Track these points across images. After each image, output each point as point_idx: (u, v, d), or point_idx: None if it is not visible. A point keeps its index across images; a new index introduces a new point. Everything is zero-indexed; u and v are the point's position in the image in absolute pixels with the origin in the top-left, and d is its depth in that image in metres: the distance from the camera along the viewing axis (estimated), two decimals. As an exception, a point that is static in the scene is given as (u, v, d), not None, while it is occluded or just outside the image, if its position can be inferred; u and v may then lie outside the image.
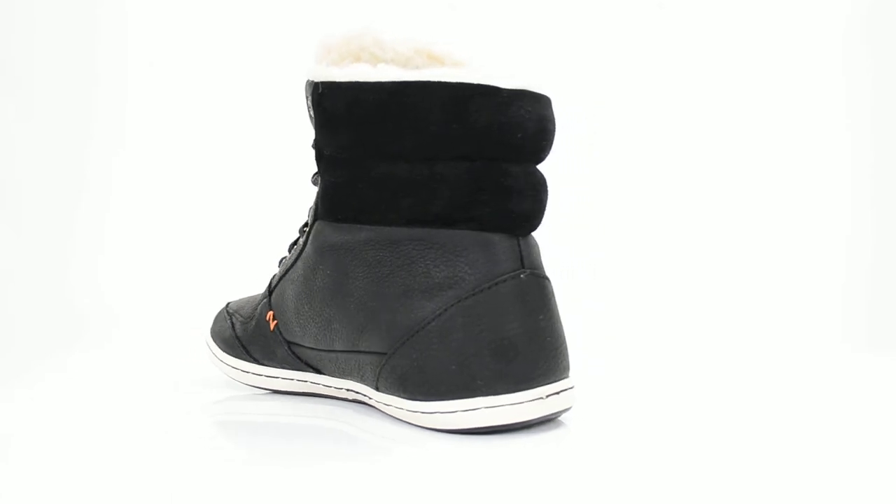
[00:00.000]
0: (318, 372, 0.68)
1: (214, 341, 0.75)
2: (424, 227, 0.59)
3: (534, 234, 0.62)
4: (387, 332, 0.60)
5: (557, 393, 0.58)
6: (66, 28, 1.22)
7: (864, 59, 1.21)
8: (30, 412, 0.68)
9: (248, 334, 0.72)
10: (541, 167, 0.63)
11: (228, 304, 0.76)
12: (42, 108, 1.22)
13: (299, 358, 0.68)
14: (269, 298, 0.70)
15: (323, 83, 0.61)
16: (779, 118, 1.20)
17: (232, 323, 0.74)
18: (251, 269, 0.95)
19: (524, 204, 0.59)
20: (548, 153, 0.62)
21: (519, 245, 0.59)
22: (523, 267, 0.58)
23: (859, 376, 0.83)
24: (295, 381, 0.70)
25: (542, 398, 0.57)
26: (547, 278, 0.60)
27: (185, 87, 1.23)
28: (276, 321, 0.69)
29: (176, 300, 1.11)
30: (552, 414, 0.58)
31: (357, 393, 0.65)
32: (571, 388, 0.59)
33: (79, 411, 0.68)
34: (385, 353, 0.60)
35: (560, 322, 0.60)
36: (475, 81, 0.57)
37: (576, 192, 1.13)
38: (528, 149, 0.59)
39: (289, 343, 0.68)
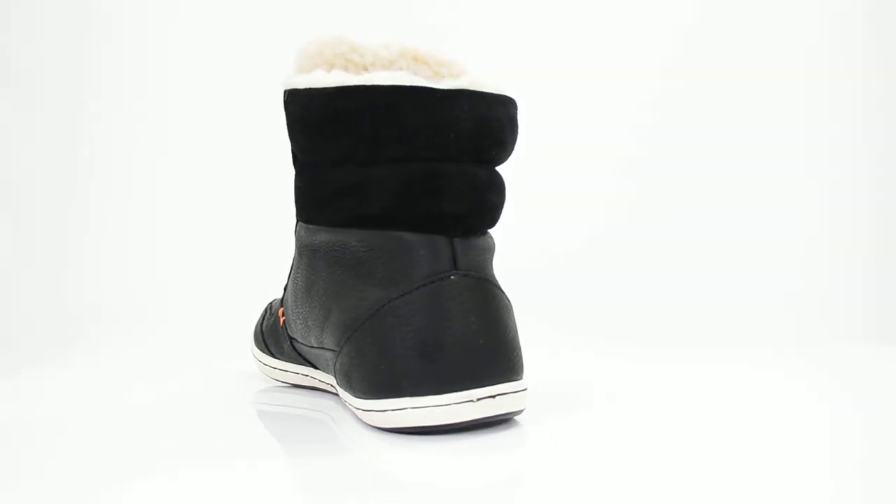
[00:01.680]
0: (313, 367, 0.70)
1: (253, 333, 0.79)
2: (364, 228, 0.60)
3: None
4: (336, 329, 0.61)
5: (493, 397, 0.57)
6: (66, 29, 1.22)
7: (862, 55, 1.21)
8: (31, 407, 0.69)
9: (268, 329, 0.75)
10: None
11: (274, 298, 0.79)
12: (43, 109, 1.22)
13: (298, 353, 0.71)
14: (284, 294, 0.72)
15: (287, 90, 0.62)
16: (775, 121, 1.20)
17: (263, 317, 0.77)
18: (263, 268, 0.95)
19: (457, 204, 0.59)
20: (498, 152, 0.61)
21: (453, 246, 0.59)
22: (456, 268, 0.58)
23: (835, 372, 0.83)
24: (299, 375, 0.73)
25: (472, 401, 0.57)
26: (486, 280, 0.59)
27: (186, 87, 1.23)
28: (283, 317, 0.71)
29: (195, 297, 1.12)
30: (488, 417, 0.57)
31: (333, 387, 0.67)
32: (517, 391, 0.59)
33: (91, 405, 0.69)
34: (336, 351, 0.62)
35: (504, 325, 0.59)
36: (408, 84, 0.58)
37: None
38: (466, 148, 0.59)
39: (290, 338, 0.71)
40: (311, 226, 0.64)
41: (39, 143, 1.20)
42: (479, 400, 0.57)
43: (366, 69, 0.64)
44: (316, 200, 0.62)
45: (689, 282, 1.11)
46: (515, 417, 0.61)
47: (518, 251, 1.15)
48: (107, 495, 0.49)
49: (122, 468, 0.53)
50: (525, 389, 0.60)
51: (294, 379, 0.74)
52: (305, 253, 0.65)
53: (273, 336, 0.74)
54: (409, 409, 0.57)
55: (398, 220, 0.59)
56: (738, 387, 0.76)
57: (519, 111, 0.63)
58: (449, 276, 0.58)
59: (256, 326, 0.78)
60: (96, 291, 1.14)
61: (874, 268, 1.14)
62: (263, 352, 0.76)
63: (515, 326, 0.60)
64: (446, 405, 0.56)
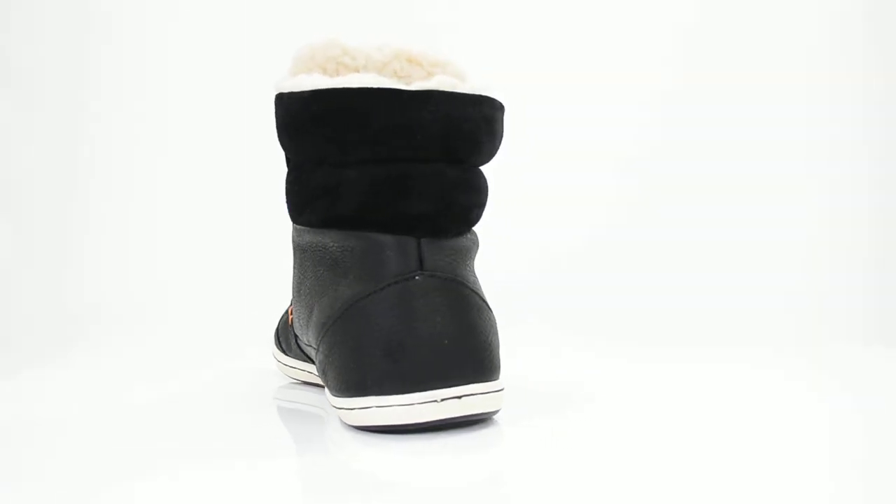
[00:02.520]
0: (313, 363, 0.71)
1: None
2: (339, 229, 0.61)
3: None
4: (315, 328, 0.62)
5: (458, 397, 0.57)
6: (65, 28, 1.22)
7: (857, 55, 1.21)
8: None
9: (282, 326, 0.78)
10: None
11: None
12: (43, 109, 1.22)
13: (301, 350, 0.73)
14: None
15: (276, 94, 0.63)
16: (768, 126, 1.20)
17: (285, 315, 0.79)
18: (263, 268, 0.96)
19: (424, 205, 0.60)
20: (472, 152, 0.61)
21: (420, 247, 0.59)
22: (422, 268, 0.59)
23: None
24: (305, 373, 0.75)
25: (435, 401, 0.57)
26: (454, 280, 0.59)
27: (186, 87, 1.23)
28: (291, 315, 0.72)
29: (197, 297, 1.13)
30: (455, 418, 0.58)
31: None
32: (487, 392, 0.59)
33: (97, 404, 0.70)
34: (316, 349, 0.63)
35: (471, 326, 0.59)
36: (376, 86, 0.58)
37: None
38: (434, 149, 0.60)
39: (295, 336, 0.72)
40: (298, 226, 0.65)
41: (39, 143, 1.21)
42: (443, 400, 0.57)
43: (357, 72, 0.65)
44: (299, 201, 0.63)
45: (690, 282, 1.12)
46: (495, 417, 0.61)
47: (520, 251, 1.16)
48: (106, 495, 0.50)
49: (121, 468, 0.54)
50: (499, 391, 0.60)
51: (301, 376, 0.75)
52: (297, 253, 0.66)
53: (285, 333, 0.76)
54: (375, 408, 0.58)
55: (368, 220, 0.60)
56: (738, 387, 0.77)
57: (501, 110, 0.63)
58: (414, 277, 0.58)
59: (278, 323, 0.80)
60: (96, 291, 1.14)
61: (874, 268, 1.14)
62: (278, 348, 0.78)
63: (488, 328, 0.60)
64: (409, 405, 0.57)
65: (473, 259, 0.63)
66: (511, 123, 1.08)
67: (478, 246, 0.64)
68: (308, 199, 0.62)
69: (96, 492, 0.50)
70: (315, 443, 0.60)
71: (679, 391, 0.75)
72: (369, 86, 0.58)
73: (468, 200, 0.62)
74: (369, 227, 0.60)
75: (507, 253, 1.13)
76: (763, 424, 0.63)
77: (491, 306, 0.62)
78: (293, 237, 0.66)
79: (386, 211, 0.59)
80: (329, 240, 0.61)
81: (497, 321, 0.62)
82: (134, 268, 1.18)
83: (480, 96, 0.61)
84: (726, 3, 1.24)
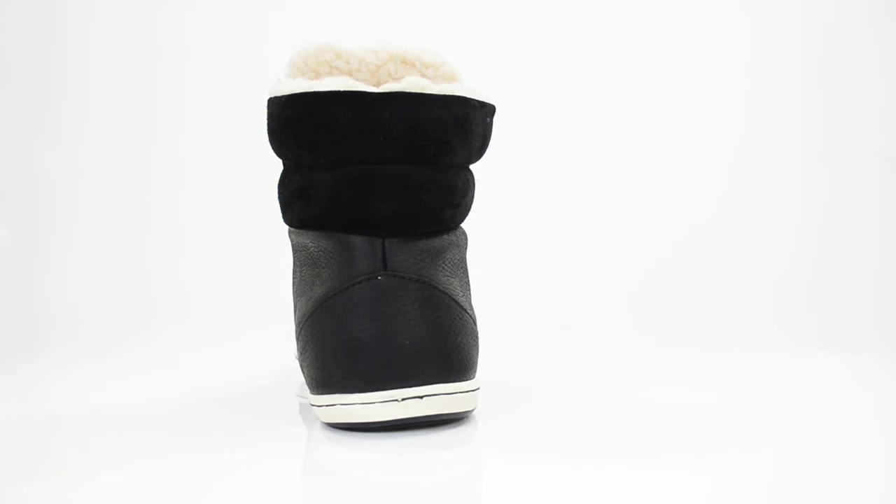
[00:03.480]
0: None
1: None
2: (313, 230, 0.62)
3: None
4: (295, 326, 0.64)
5: (420, 397, 0.58)
6: (64, 29, 1.23)
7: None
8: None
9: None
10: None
11: None
12: (46, 111, 1.23)
13: None
14: None
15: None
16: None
17: None
18: (263, 268, 0.96)
19: (387, 205, 0.60)
20: (441, 152, 0.62)
21: (384, 247, 0.60)
22: (385, 268, 0.60)
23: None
24: None
25: (396, 400, 0.58)
26: (418, 280, 0.60)
27: (188, 88, 1.24)
28: None
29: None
30: (418, 417, 0.59)
31: None
32: (452, 393, 0.59)
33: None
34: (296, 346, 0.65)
35: (435, 326, 0.59)
36: (342, 89, 0.60)
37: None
38: (397, 150, 0.60)
39: None
40: (288, 227, 0.67)
41: (41, 143, 1.21)
42: (403, 400, 0.58)
43: (350, 75, 0.66)
44: (283, 203, 0.65)
45: (690, 283, 1.12)
46: (467, 417, 0.63)
47: (522, 252, 1.16)
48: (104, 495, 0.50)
49: (119, 467, 0.55)
50: (468, 391, 0.60)
51: None
52: (293, 254, 0.67)
53: None
54: (339, 406, 0.59)
55: (336, 221, 0.61)
56: (736, 388, 0.77)
57: (481, 109, 0.63)
58: (376, 277, 0.59)
59: None
60: (97, 291, 1.14)
61: (876, 272, 1.13)
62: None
63: (456, 328, 0.60)
64: (370, 403, 0.58)
65: (455, 259, 0.64)
66: (514, 125, 1.09)
67: (461, 246, 0.65)
68: (289, 201, 0.64)
69: (93, 490, 0.51)
70: (299, 440, 0.61)
71: (673, 391, 0.76)
72: (336, 89, 0.59)
73: (437, 201, 0.62)
74: (338, 227, 0.61)
75: (508, 254, 1.13)
76: (756, 428, 0.64)
77: (466, 306, 0.62)
78: (289, 239, 0.68)
79: (351, 212, 0.60)
80: (308, 240, 0.63)
81: (484, 322, 0.64)
82: (135, 267, 1.18)
83: (451, 97, 0.61)
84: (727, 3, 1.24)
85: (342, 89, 0.59)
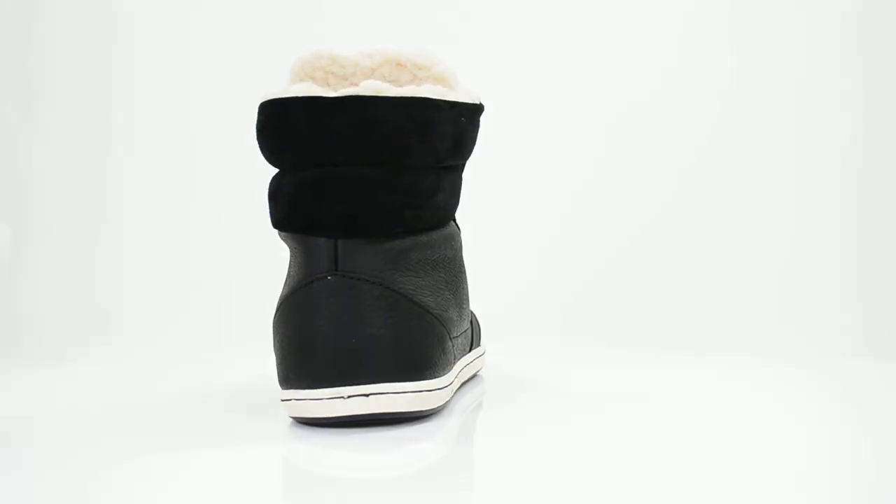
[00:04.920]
0: None
1: None
2: (281, 231, 0.64)
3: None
4: None
5: (365, 395, 0.60)
6: (63, 30, 1.24)
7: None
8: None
9: None
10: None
11: None
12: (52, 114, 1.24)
13: None
14: None
15: None
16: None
17: None
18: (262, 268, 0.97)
19: (341, 207, 0.61)
20: (397, 154, 0.62)
21: (336, 248, 0.61)
22: (336, 269, 0.61)
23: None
24: None
25: (342, 398, 0.60)
26: (368, 281, 0.61)
27: (192, 90, 1.25)
28: None
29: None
30: (364, 415, 0.60)
31: None
32: (401, 392, 0.61)
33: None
34: None
35: (391, 326, 0.61)
36: (300, 95, 0.62)
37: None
38: (349, 153, 0.61)
39: None
40: None
41: (39, 144, 1.22)
42: (349, 397, 0.60)
43: (346, 80, 0.68)
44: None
45: (690, 284, 1.12)
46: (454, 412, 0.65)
47: (524, 254, 1.17)
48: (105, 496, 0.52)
49: (116, 466, 0.56)
50: (420, 392, 0.62)
51: None
52: None
53: None
54: (294, 401, 0.62)
55: (296, 224, 0.63)
56: (736, 391, 0.77)
57: (448, 110, 0.64)
58: (326, 277, 0.61)
59: None
60: (96, 291, 1.15)
61: (877, 278, 1.13)
62: None
63: (412, 329, 0.62)
64: (318, 399, 0.60)
65: (424, 259, 0.65)
66: (516, 125, 1.09)
67: (436, 246, 0.66)
68: (268, 203, 0.66)
69: (95, 493, 0.52)
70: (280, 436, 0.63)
71: (669, 393, 0.76)
72: (293, 95, 0.62)
73: (395, 202, 0.62)
74: (299, 229, 0.63)
75: (509, 256, 1.14)
76: (744, 435, 0.63)
77: (430, 306, 0.63)
78: None
79: (307, 214, 0.62)
80: (285, 241, 0.65)
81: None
82: (134, 268, 1.19)
83: (409, 98, 0.62)
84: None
85: (299, 95, 0.61)
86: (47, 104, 1.23)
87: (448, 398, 0.66)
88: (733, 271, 1.14)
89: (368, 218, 0.62)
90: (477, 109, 0.68)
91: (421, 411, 0.62)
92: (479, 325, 0.81)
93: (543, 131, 1.21)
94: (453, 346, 0.67)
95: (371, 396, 0.60)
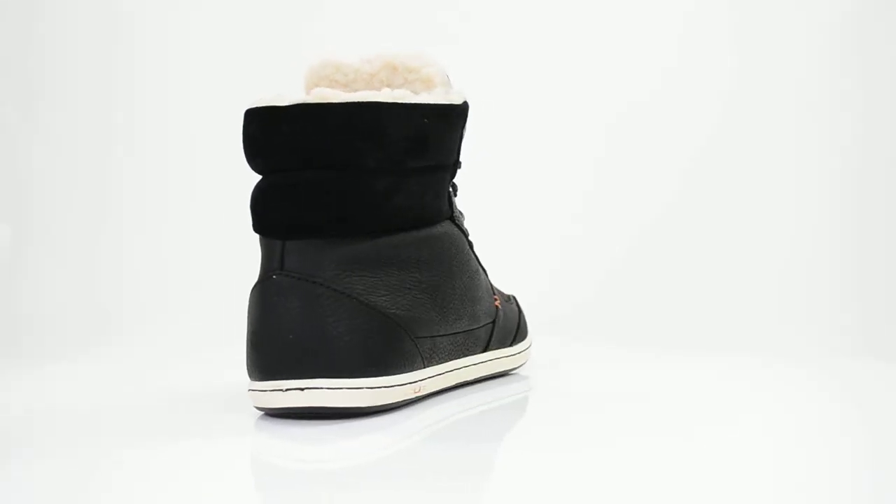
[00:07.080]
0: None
1: None
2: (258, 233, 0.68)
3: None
4: None
5: (301, 389, 0.63)
6: (63, 31, 1.24)
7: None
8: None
9: None
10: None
11: None
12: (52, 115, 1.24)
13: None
14: None
15: None
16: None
17: None
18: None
19: (282, 209, 0.65)
20: (346, 157, 0.64)
21: (283, 248, 0.65)
22: (282, 268, 0.64)
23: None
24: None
25: (281, 390, 0.63)
26: (308, 280, 0.64)
27: (198, 93, 1.25)
28: None
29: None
30: (302, 408, 0.63)
31: None
32: (334, 388, 0.63)
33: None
34: None
35: (319, 323, 0.63)
36: (261, 105, 0.65)
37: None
38: (298, 159, 0.65)
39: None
40: None
41: (39, 144, 1.22)
42: (287, 390, 0.63)
43: (347, 86, 0.72)
44: None
45: (690, 284, 1.12)
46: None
47: (524, 254, 1.17)
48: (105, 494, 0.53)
49: (116, 466, 0.57)
50: (355, 388, 0.63)
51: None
52: None
53: None
54: (250, 392, 0.66)
55: (254, 226, 0.67)
56: (733, 392, 0.78)
57: (387, 111, 0.65)
58: (272, 276, 0.65)
59: None
60: (96, 291, 1.16)
61: (877, 278, 1.13)
62: None
63: (349, 327, 0.64)
64: (263, 391, 0.64)
65: (385, 259, 0.66)
66: (517, 126, 1.09)
67: (400, 248, 0.67)
68: None
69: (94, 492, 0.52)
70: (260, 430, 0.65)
71: (669, 393, 0.76)
72: (255, 106, 0.66)
73: (347, 204, 0.65)
74: (256, 231, 0.67)
75: (512, 257, 1.13)
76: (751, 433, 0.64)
77: (383, 305, 0.65)
78: None
79: (259, 217, 0.66)
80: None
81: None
82: (134, 268, 1.19)
83: (356, 104, 0.64)
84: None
85: (258, 106, 0.65)
86: (47, 104, 1.24)
87: (408, 396, 0.67)
88: (733, 271, 1.14)
89: (309, 220, 0.64)
90: (449, 110, 0.68)
91: (360, 408, 0.64)
92: (511, 325, 0.80)
93: (543, 131, 1.22)
94: (428, 346, 0.68)
95: (306, 391, 0.63)
